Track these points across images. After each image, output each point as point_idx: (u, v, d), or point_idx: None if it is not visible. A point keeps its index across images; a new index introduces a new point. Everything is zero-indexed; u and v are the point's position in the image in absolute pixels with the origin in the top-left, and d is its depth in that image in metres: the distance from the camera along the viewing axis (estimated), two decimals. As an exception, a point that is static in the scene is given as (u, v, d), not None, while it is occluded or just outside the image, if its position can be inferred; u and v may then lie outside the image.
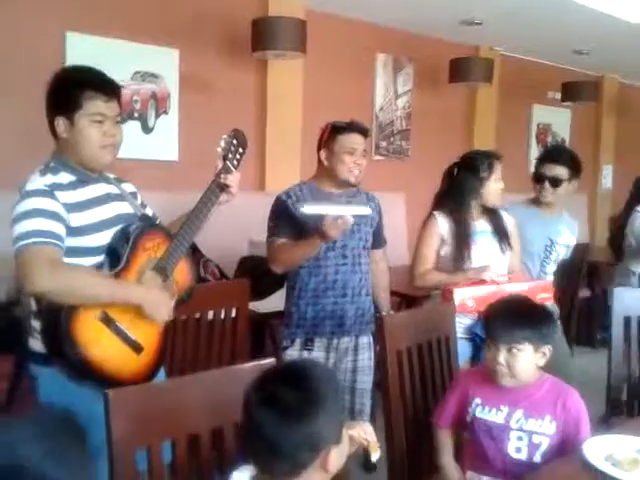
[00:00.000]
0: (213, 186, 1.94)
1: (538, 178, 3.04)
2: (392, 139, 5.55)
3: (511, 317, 1.75)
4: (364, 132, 2.48)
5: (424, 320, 2.23)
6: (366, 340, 2.55)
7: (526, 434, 1.73)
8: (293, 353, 2.48)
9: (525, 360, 1.73)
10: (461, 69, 5.28)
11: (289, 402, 1.18)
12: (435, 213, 2.67)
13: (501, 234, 2.68)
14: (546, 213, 3.06)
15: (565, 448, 1.70)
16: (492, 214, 2.70)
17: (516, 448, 1.74)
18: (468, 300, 2.44)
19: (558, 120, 7.25)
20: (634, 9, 4.88)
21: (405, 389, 2.08)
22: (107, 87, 1.83)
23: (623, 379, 2.59)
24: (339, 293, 2.47)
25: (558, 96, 6.66)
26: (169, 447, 1.44)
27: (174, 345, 2.36)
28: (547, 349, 1.76)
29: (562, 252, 3.06)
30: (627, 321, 2.56)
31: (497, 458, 1.77)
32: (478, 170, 2.60)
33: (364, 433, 1.37)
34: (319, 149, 2.50)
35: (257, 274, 3.40)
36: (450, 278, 2.56)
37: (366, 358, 2.53)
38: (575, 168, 3.02)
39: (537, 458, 1.73)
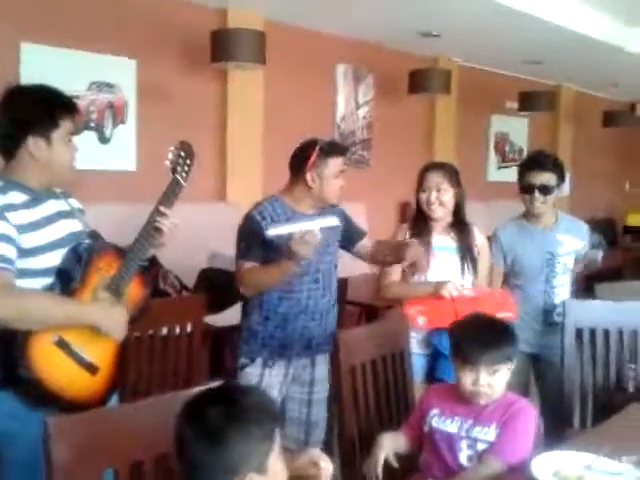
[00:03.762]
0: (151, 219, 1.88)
1: (526, 188, 2.80)
2: (354, 149, 5.58)
3: (490, 339, 1.78)
4: (347, 153, 2.52)
5: (378, 335, 2.24)
6: (323, 354, 2.52)
7: (472, 441, 1.76)
8: (253, 371, 2.42)
9: (503, 378, 1.79)
10: (420, 80, 5.35)
11: (208, 419, 1.15)
12: (404, 225, 2.68)
13: (465, 253, 2.59)
14: (539, 226, 2.86)
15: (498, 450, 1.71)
16: (461, 230, 2.62)
17: (468, 456, 1.77)
18: (419, 318, 2.40)
19: (516, 129, 7.41)
20: (583, 21, 5.04)
21: (359, 405, 2.08)
22: (74, 104, 1.85)
23: (576, 390, 2.62)
24: (309, 317, 2.44)
25: (515, 106, 6.78)
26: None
27: (128, 364, 2.32)
28: (512, 365, 1.82)
29: (570, 260, 2.85)
30: (579, 333, 2.60)
31: (454, 467, 1.79)
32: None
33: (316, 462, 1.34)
34: (303, 170, 2.35)
35: (216, 286, 3.37)
36: (412, 290, 2.55)
37: (323, 370, 2.52)
38: (561, 172, 2.85)
39: None
